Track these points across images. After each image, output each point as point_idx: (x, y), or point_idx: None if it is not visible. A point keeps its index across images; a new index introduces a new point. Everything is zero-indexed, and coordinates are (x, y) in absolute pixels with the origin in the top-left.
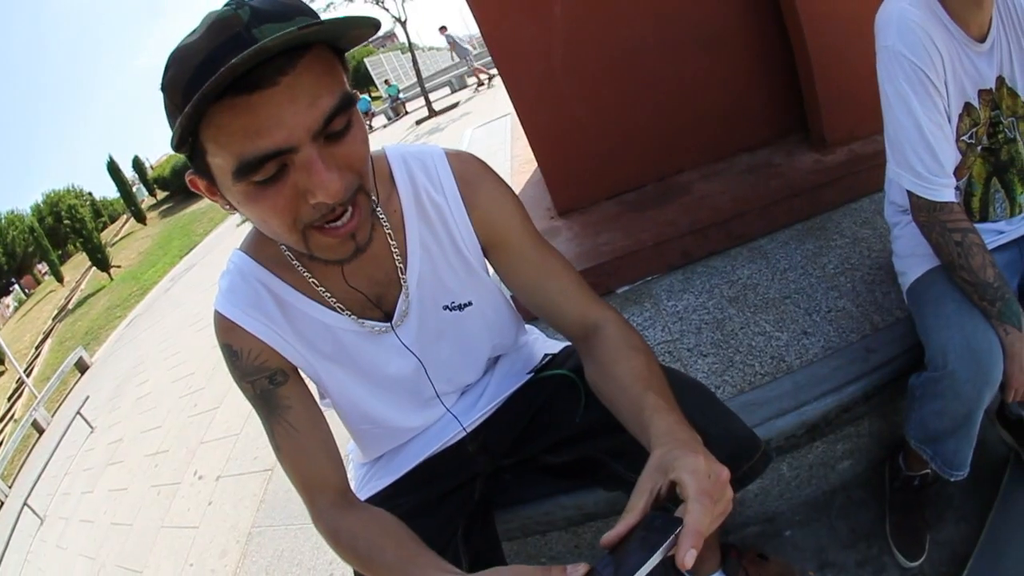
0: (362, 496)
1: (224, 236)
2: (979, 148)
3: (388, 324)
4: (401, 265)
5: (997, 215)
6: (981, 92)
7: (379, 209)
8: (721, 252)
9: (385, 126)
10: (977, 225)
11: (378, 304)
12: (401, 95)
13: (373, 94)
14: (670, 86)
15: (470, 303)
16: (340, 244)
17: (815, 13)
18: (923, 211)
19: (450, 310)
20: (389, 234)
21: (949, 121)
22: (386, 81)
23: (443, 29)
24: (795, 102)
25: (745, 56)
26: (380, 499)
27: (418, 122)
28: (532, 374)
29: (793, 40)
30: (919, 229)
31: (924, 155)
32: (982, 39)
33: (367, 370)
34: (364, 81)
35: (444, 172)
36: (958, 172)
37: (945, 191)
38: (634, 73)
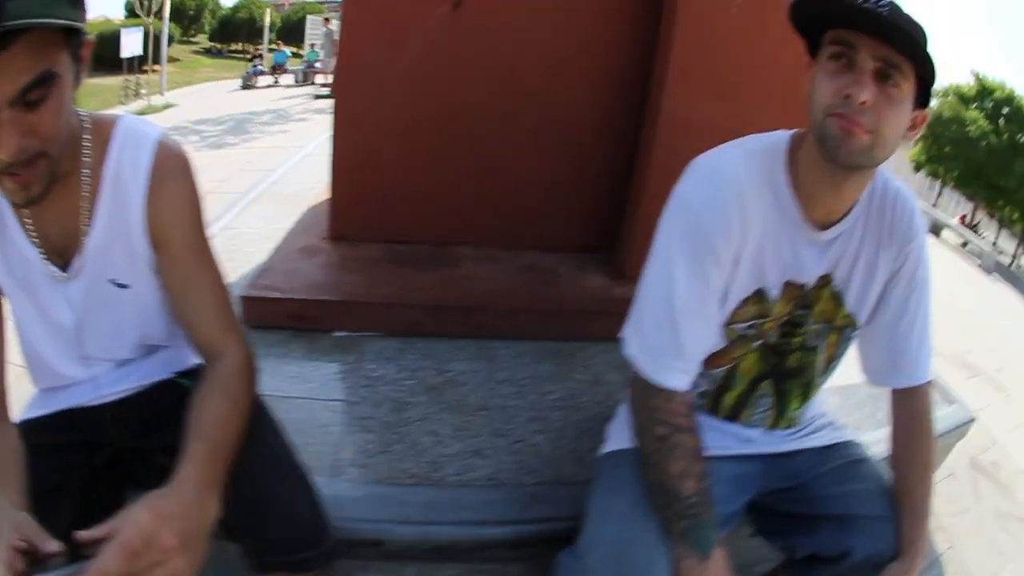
0: (24, 415)
1: None
2: (758, 343)
3: (64, 274)
4: (86, 227)
5: (752, 421)
6: (788, 284)
7: (87, 171)
8: (451, 338)
9: (270, 86)
10: (721, 423)
11: (61, 254)
12: (319, 64)
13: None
14: (489, 159)
15: (128, 286)
16: (16, 191)
17: (673, 116)
18: (638, 387)
19: (114, 285)
20: (85, 196)
21: (726, 301)
22: (312, 45)
23: (327, 21)
24: (614, 221)
25: (579, 156)
26: (30, 425)
27: (316, 97)
28: (174, 375)
29: (639, 161)
30: (630, 402)
31: (664, 327)
32: (824, 226)
33: (41, 308)
34: (300, 37)
35: (146, 159)
36: (715, 360)
37: (672, 376)
38: (458, 135)
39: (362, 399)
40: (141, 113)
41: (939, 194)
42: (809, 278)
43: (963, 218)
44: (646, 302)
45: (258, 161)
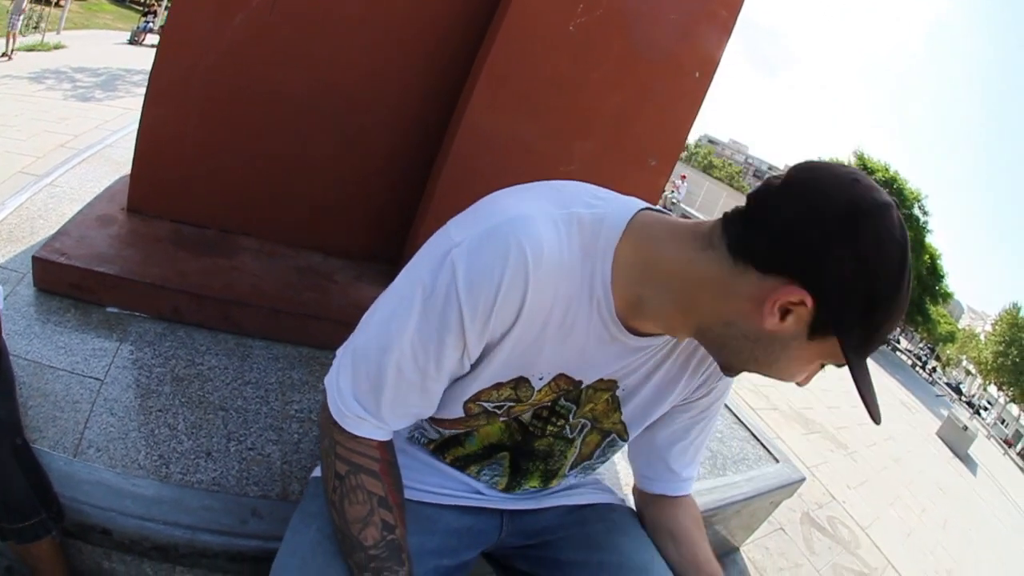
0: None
1: None
2: (502, 419)
3: None
4: None
5: (481, 478)
6: (560, 377)
7: None
8: (211, 329)
9: (154, 46)
10: (447, 468)
11: None
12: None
13: None
14: (291, 154)
15: None
16: None
17: (473, 129)
18: (325, 413)
19: None
20: None
21: (473, 380)
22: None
23: None
24: (405, 234)
25: (382, 164)
26: None
27: None
28: None
29: (432, 173)
30: (320, 423)
31: (364, 382)
32: (637, 333)
33: None
34: None
35: None
36: (446, 424)
37: (362, 426)
38: (263, 124)
39: (114, 380)
40: (32, 49)
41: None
42: (590, 378)
43: None
44: (360, 336)
45: (114, 121)
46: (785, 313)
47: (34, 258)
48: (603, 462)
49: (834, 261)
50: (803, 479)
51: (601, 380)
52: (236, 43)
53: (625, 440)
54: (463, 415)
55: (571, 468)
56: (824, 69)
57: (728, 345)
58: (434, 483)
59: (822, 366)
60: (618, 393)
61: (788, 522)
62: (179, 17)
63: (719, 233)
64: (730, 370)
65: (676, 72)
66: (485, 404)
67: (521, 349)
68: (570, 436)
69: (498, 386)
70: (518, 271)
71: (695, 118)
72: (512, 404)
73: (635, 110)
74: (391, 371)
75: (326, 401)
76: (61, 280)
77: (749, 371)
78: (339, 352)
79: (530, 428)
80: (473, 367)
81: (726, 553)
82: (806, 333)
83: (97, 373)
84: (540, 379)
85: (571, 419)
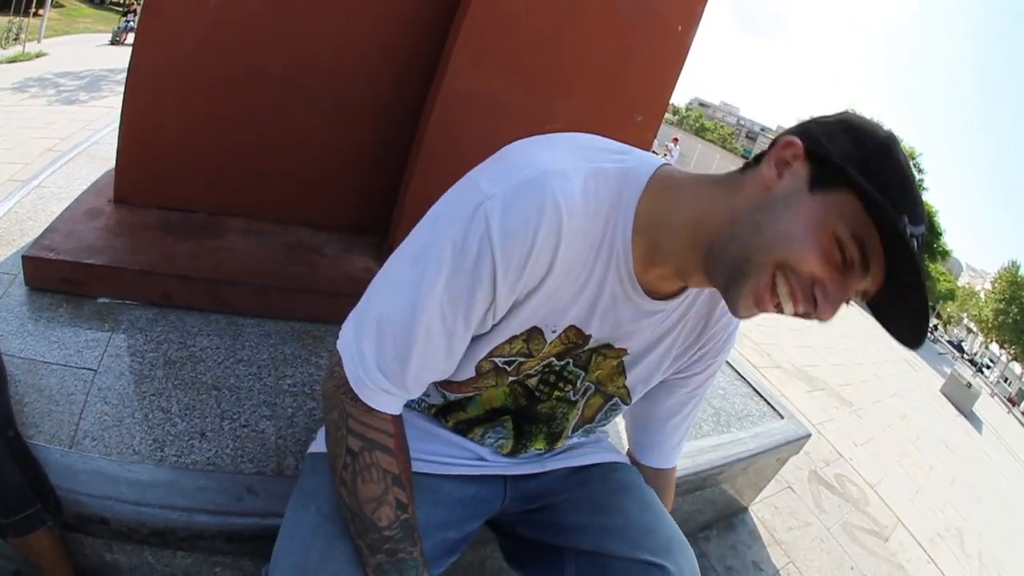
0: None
1: None
2: (511, 379)
3: None
4: None
5: (485, 442)
6: (571, 328)
7: None
8: (200, 311)
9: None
10: (449, 434)
11: None
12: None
13: None
14: (273, 131)
15: None
16: None
17: (455, 93)
18: (334, 382)
19: None
20: None
21: (490, 337)
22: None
23: None
24: (391, 203)
25: (365, 135)
26: None
27: None
28: None
29: (415, 138)
30: (322, 397)
31: (389, 347)
32: (654, 296)
33: None
34: None
35: None
36: (454, 387)
37: (379, 399)
38: (244, 102)
39: (107, 369)
40: (13, 60)
41: None
42: (598, 334)
43: None
44: (381, 300)
45: (98, 120)
46: (783, 167)
47: (24, 258)
48: (604, 424)
49: (822, 123)
50: (809, 435)
51: (610, 347)
52: (212, 26)
53: (627, 404)
54: (474, 375)
55: (573, 430)
56: (816, 37)
57: (735, 240)
58: (436, 451)
59: (841, 249)
60: (624, 360)
61: (796, 480)
62: (155, 5)
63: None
64: (736, 292)
65: (659, 27)
66: (496, 360)
67: (543, 300)
68: (573, 399)
69: (512, 340)
70: (552, 224)
71: (680, 73)
72: (523, 360)
73: (618, 66)
74: (420, 334)
75: (337, 371)
76: (52, 276)
77: (758, 260)
78: (352, 319)
79: (536, 393)
80: (494, 325)
81: (735, 513)
82: (806, 186)
83: (90, 363)
84: (553, 331)
85: (578, 384)
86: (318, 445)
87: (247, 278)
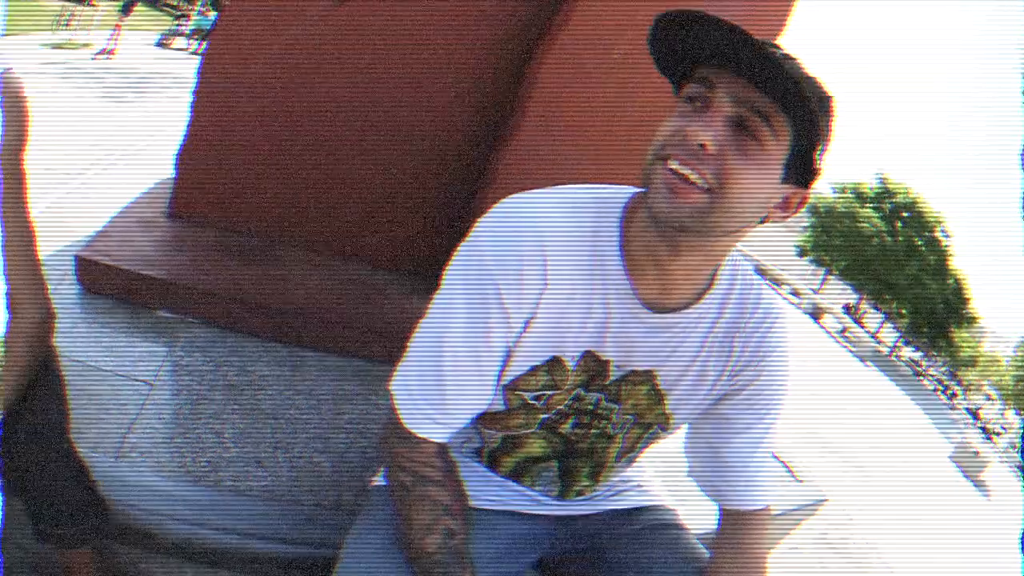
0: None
1: None
2: (543, 417)
3: None
4: None
5: (536, 486)
6: (588, 355)
7: None
8: (264, 339)
9: (181, 49)
10: (503, 480)
11: None
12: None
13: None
14: (337, 164)
15: None
16: None
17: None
18: (388, 428)
19: None
20: None
21: (512, 366)
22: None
23: None
24: (451, 247)
25: (429, 177)
26: None
27: None
28: None
29: (479, 189)
30: (380, 440)
31: (429, 378)
32: (659, 310)
33: None
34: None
35: None
36: (492, 422)
37: (427, 427)
38: (311, 133)
39: (162, 384)
40: (59, 47)
41: (824, 281)
42: (618, 360)
43: (848, 307)
44: (417, 343)
45: (143, 124)
46: None
47: (78, 258)
48: (644, 449)
49: None
50: (824, 500)
51: (635, 372)
52: (285, 53)
53: (667, 429)
54: (504, 408)
55: (616, 459)
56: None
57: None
58: (492, 493)
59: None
60: (661, 387)
61: (803, 543)
62: (227, 27)
63: None
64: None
65: None
66: (524, 394)
67: (553, 322)
68: (612, 433)
69: (535, 370)
70: (533, 241)
71: None
72: (551, 393)
73: None
74: (448, 365)
75: (389, 417)
76: (107, 281)
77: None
78: (398, 367)
79: (571, 438)
80: (516, 346)
81: None
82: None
83: (146, 377)
84: (572, 359)
85: (614, 418)
86: (382, 479)
87: (315, 312)
